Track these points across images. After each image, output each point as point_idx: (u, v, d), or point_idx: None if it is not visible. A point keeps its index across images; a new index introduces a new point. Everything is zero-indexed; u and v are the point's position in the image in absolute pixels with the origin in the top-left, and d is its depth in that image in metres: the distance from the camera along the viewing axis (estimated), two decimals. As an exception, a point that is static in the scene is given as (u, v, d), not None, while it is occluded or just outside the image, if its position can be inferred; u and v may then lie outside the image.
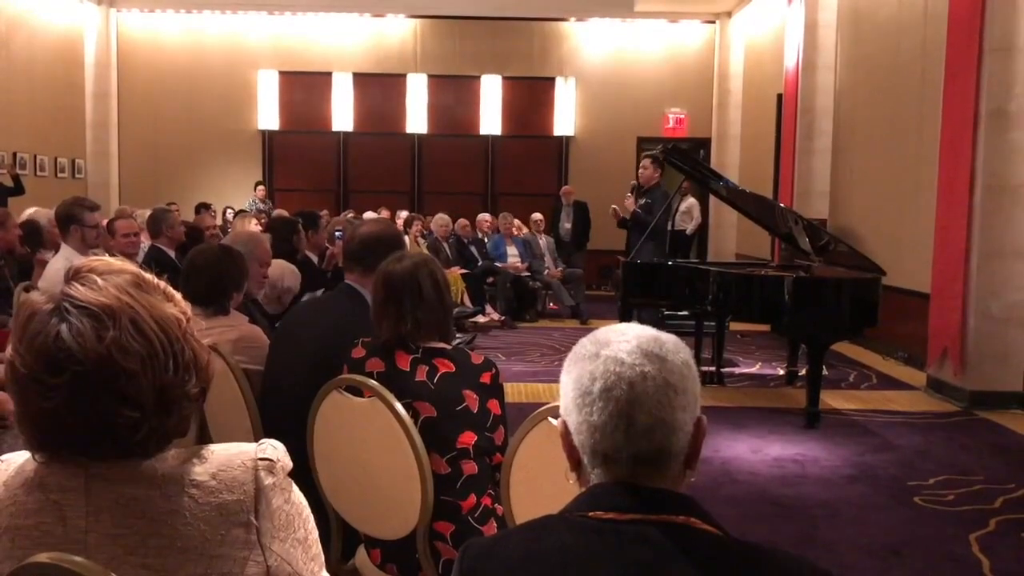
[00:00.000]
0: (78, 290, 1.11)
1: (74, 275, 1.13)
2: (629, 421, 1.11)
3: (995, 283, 6.14)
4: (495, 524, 2.31)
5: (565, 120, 14.32)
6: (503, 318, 9.82)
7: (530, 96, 14.38)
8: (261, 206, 12.33)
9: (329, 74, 14.23)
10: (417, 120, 14.34)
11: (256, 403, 2.68)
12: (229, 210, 12.20)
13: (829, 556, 3.56)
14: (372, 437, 2.27)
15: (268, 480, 1.15)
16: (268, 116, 14.33)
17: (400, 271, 2.38)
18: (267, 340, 2.96)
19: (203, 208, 10.92)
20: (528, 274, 10.40)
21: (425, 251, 8.34)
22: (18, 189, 9.99)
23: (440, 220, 10.62)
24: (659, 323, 6.72)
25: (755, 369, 7.52)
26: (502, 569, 1.11)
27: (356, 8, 13.91)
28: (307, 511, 1.22)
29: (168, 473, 1.12)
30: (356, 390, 2.30)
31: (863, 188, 8.92)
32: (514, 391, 6.31)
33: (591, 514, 1.11)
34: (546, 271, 10.57)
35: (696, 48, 14.22)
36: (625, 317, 6.86)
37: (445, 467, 2.27)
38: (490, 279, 10.17)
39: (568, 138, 14.36)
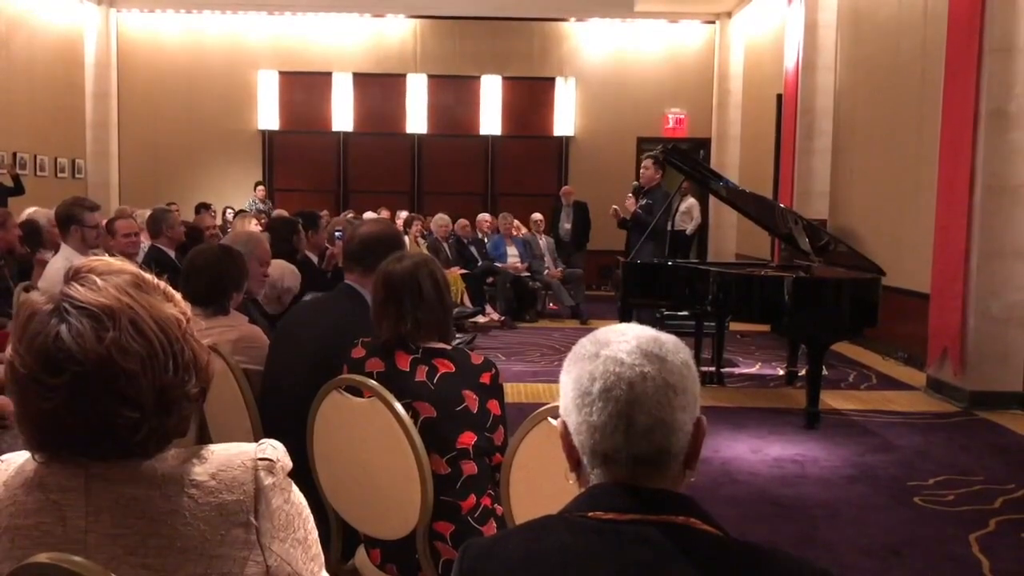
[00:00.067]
0: (78, 290, 1.11)
1: (74, 275, 1.13)
2: (629, 421, 1.11)
3: (995, 283, 6.14)
4: (495, 524, 2.31)
5: (565, 120, 14.32)
6: (503, 318, 9.81)
7: (530, 96, 14.37)
8: (261, 206, 12.33)
9: (329, 74, 14.23)
10: (417, 120, 14.34)
11: (256, 403, 2.68)
12: (229, 210, 12.20)
13: (829, 556, 3.56)
14: (372, 437, 2.27)
15: (268, 480, 1.15)
16: (268, 116, 14.33)
17: (400, 271, 2.38)
18: (267, 340, 2.96)
19: (203, 208, 10.92)
20: (528, 274, 10.40)
21: (425, 251, 8.33)
22: (18, 189, 10.00)
23: (440, 220, 10.61)
24: (657, 324, 6.72)
25: (755, 369, 7.52)
26: (502, 569, 1.11)
27: (356, 8, 13.91)
28: (307, 511, 1.21)
29: (168, 473, 1.12)
30: (356, 390, 2.30)
31: (863, 188, 8.92)
32: (514, 391, 6.31)
33: (591, 514, 1.10)
34: (546, 271, 10.56)
35: (696, 48, 14.22)
36: (625, 317, 6.86)
37: (445, 467, 2.27)
38: (490, 279, 10.17)
39: (568, 138, 14.36)
